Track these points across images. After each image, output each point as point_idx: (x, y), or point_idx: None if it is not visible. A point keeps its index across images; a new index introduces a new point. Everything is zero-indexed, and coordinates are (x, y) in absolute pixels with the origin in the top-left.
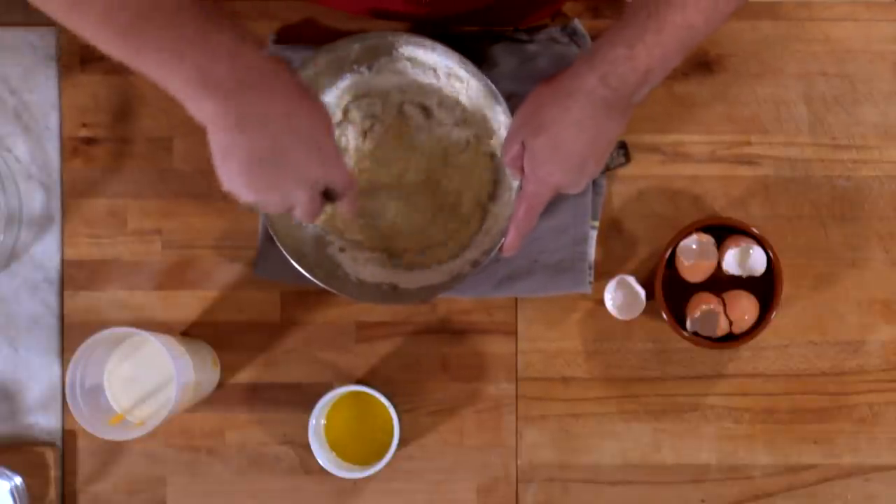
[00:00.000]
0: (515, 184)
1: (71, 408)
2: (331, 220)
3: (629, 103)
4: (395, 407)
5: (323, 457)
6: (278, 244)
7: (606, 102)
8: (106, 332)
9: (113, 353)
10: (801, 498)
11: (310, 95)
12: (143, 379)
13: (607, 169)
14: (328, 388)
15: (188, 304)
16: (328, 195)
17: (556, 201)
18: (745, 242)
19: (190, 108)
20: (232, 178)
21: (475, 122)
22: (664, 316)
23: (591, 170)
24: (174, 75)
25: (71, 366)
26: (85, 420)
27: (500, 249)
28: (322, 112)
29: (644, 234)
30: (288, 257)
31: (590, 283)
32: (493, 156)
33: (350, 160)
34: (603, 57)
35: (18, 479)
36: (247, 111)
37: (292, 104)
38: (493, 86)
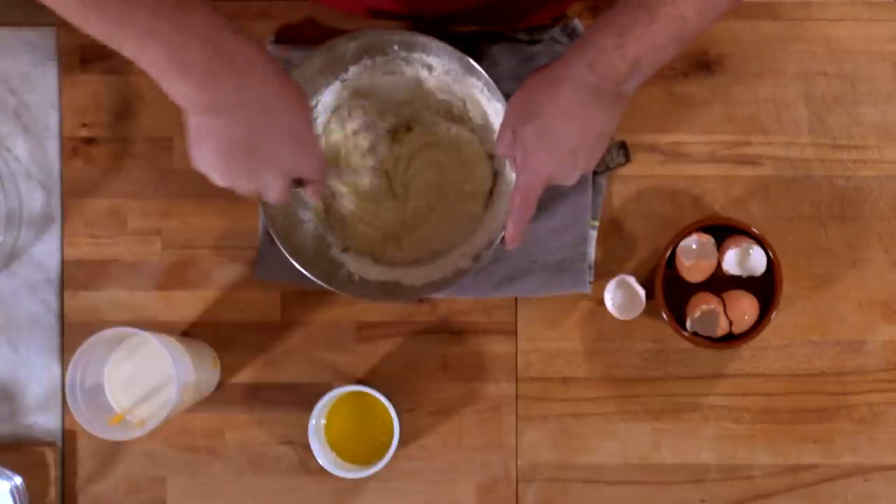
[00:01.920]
0: (514, 177)
1: (71, 408)
2: (333, 220)
3: (619, 93)
4: (395, 407)
5: (323, 457)
6: (280, 246)
7: (595, 90)
8: (106, 332)
9: (113, 353)
10: (801, 498)
11: (288, 82)
12: (144, 379)
13: (607, 169)
14: (328, 388)
15: (188, 304)
16: (297, 181)
17: (556, 201)
18: (745, 242)
19: (164, 87)
20: (205, 160)
21: (474, 118)
22: (664, 316)
23: (582, 161)
24: (147, 54)
25: (71, 366)
26: (85, 420)
27: (503, 242)
28: (300, 99)
29: (644, 234)
30: (289, 258)
31: (590, 283)
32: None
33: (351, 157)
34: (592, 44)
35: (18, 479)
36: (222, 96)
37: (270, 91)
38: (491, 81)
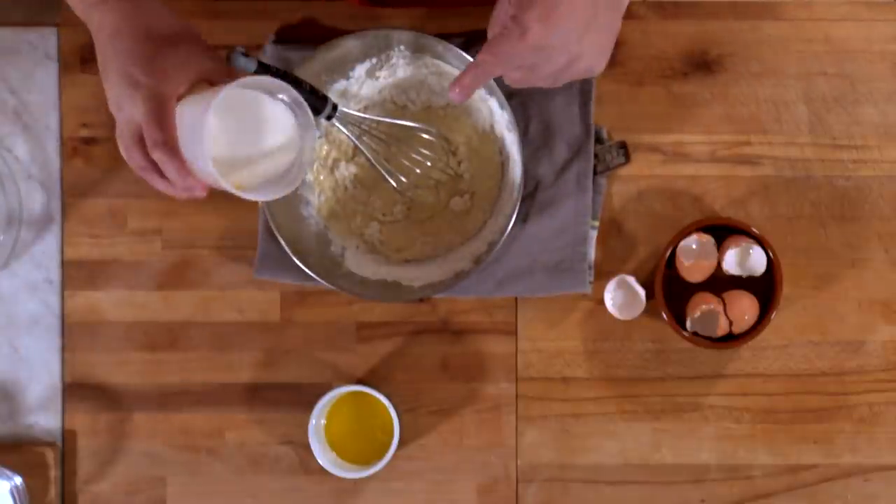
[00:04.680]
0: (518, 179)
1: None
2: (333, 218)
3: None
4: (395, 407)
5: (323, 457)
6: (281, 241)
7: None
8: (254, 79)
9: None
10: (801, 498)
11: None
12: (253, 137)
13: (607, 169)
14: (328, 388)
15: (188, 304)
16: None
17: (556, 201)
18: (745, 242)
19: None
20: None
21: (477, 121)
22: (664, 316)
23: (597, 37)
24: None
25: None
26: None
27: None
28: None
29: (644, 234)
30: (291, 255)
31: (590, 283)
32: (497, 152)
33: (352, 162)
34: None
35: (18, 479)
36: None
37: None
38: (493, 82)
